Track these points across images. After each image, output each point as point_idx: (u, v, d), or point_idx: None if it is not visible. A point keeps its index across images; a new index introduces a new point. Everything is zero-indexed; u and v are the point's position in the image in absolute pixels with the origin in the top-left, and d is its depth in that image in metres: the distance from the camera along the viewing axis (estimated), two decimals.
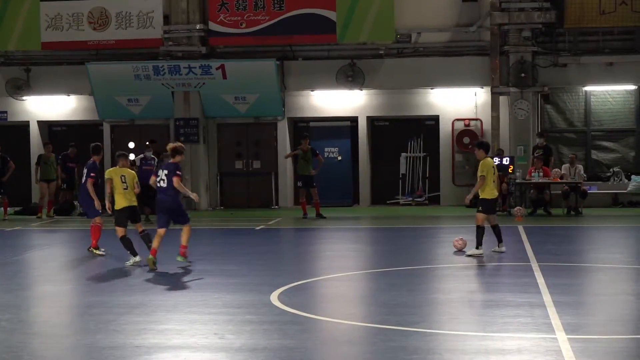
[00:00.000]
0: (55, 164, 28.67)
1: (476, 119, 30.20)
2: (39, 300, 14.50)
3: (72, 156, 29.26)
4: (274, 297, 13.39)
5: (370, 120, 30.97)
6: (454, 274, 16.15)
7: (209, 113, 30.67)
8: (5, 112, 32.08)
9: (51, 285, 15.62)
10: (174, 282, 15.31)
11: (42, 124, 32.15)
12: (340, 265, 17.60)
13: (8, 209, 28.14)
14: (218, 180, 31.28)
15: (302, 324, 11.70)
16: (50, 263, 18.86)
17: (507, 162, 27.52)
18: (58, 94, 31.68)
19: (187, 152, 30.05)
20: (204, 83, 29.82)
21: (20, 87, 31.34)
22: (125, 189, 17.90)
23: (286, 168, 30.38)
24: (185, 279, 15.70)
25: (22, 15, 30.70)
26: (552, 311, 12.00)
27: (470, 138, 29.91)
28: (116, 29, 30.43)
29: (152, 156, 26.91)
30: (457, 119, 30.25)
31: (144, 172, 26.43)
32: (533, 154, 28.02)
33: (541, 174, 27.01)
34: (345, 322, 11.86)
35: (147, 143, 27.65)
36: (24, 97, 31.60)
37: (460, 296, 13.83)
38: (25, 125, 31.99)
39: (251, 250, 19.91)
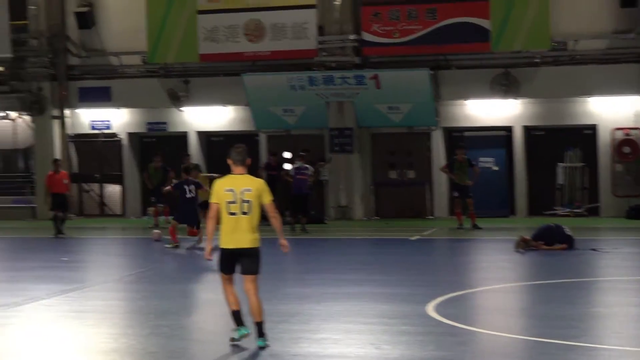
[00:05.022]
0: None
1: (637, 128, 29.36)
2: (199, 307, 14.77)
3: (274, 164, 29.93)
4: (429, 308, 13.28)
5: (526, 129, 30.47)
6: (616, 287, 15.71)
7: (362, 123, 30.73)
8: (165, 122, 32.90)
9: (210, 292, 15.86)
10: (329, 291, 15.36)
11: (200, 134, 32.82)
12: (497, 277, 17.35)
13: (169, 217, 28.82)
14: (373, 190, 31.28)
15: (459, 335, 11.56)
16: (209, 271, 19.18)
17: None
18: (215, 105, 32.28)
19: (341, 162, 30.44)
20: (357, 93, 29.89)
21: (179, 98, 32.06)
22: None
23: (441, 178, 30.14)
24: (340, 288, 15.73)
25: (180, 28, 31.43)
26: None
27: (630, 148, 29.14)
28: (271, 41, 30.84)
29: (306, 165, 27.14)
30: (617, 128, 29.46)
31: (298, 182, 26.76)
32: None
33: None
34: (503, 334, 11.66)
35: (301, 153, 27.91)
36: (183, 108, 32.33)
37: (624, 310, 13.40)
38: (183, 136, 32.72)
39: (406, 261, 19.85)
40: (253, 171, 29.22)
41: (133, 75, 32.86)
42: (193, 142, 32.68)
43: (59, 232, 26.72)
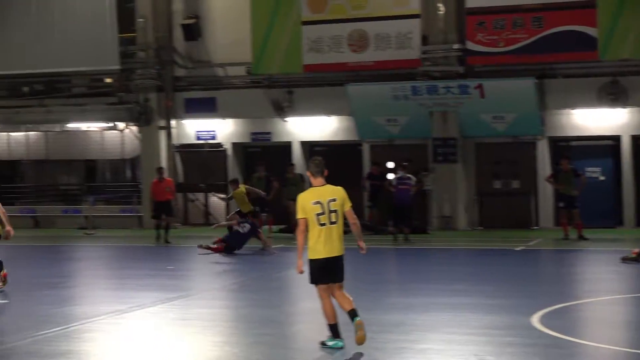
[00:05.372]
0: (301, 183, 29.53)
1: None
2: (302, 315, 14.83)
3: (377, 174, 30.00)
4: (534, 319, 13.11)
5: (634, 139, 29.85)
6: None
7: (466, 132, 30.49)
8: (269, 132, 33.15)
9: (313, 301, 15.89)
10: (432, 301, 15.27)
11: (304, 144, 32.96)
12: (604, 288, 17.04)
13: (273, 226, 28.94)
14: (476, 200, 30.99)
15: (564, 347, 11.39)
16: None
17: None
18: (319, 115, 32.39)
19: (444, 172, 30.25)
20: (461, 103, 29.69)
21: (283, 109, 32.28)
22: None
23: (546, 188, 29.72)
24: (443, 299, 15.63)
25: (284, 39, 31.63)
26: None
27: None
28: (375, 51, 30.82)
29: (409, 175, 27.05)
30: None
31: (400, 192, 26.67)
32: None
33: None
34: (610, 347, 11.45)
35: (404, 163, 27.81)
36: (287, 118, 32.53)
37: None
38: (287, 146, 32.91)
39: (510, 271, 19.63)
40: (357, 181, 29.44)
41: (238, 86, 33.22)
42: (297, 152, 32.85)
43: (165, 240, 27.22)
